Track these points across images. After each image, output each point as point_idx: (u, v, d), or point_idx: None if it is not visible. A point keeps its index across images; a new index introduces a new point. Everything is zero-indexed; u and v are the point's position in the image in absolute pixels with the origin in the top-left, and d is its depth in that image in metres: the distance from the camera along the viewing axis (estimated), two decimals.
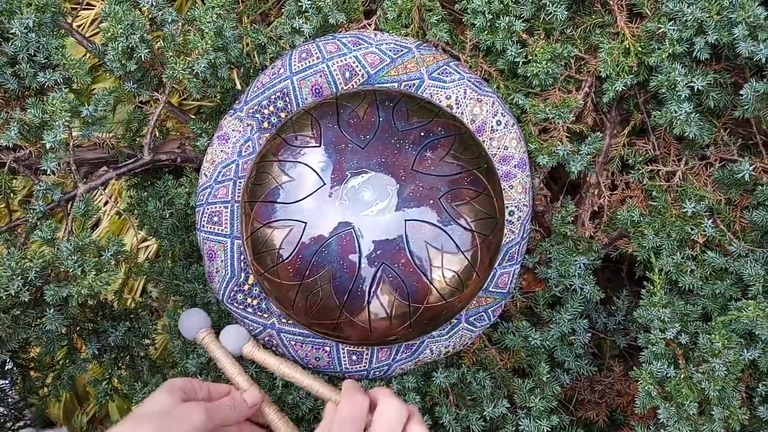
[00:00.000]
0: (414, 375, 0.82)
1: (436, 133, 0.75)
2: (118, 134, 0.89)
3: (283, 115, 0.81)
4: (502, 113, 0.81)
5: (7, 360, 0.90)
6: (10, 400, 0.98)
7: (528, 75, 0.80)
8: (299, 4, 0.83)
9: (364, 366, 0.81)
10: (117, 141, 0.87)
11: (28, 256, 0.68)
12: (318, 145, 0.74)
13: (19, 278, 0.66)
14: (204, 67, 0.77)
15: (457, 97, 0.81)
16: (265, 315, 0.80)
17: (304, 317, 0.76)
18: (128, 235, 1.30)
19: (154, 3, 0.79)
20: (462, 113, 0.81)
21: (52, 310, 0.70)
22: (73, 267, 0.68)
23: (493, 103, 0.81)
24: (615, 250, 0.85)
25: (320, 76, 0.80)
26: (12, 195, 0.82)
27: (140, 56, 0.77)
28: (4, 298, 0.65)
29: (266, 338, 0.80)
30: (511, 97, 0.83)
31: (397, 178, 0.73)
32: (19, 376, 0.94)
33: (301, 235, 0.72)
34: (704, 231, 0.77)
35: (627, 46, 0.78)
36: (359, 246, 0.71)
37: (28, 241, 0.78)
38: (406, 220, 0.72)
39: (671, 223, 0.79)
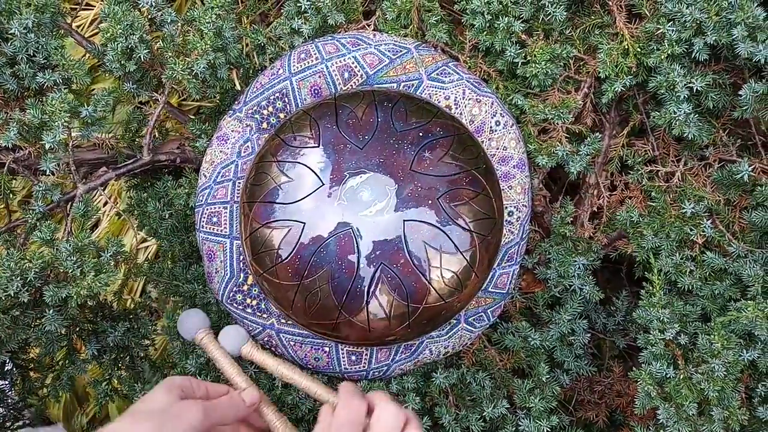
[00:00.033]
0: (413, 375, 0.82)
1: (435, 134, 0.75)
2: (117, 135, 0.89)
3: (282, 115, 0.81)
4: (501, 114, 0.81)
5: (7, 361, 0.90)
6: (9, 400, 0.98)
7: (527, 75, 0.80)
8: (298, 4, 0.83)
9: (364, 366, 0.81)
10: (116, 141, 0.87)
11: (28, 257, 0.68)
12: (317, 145, 0.74)
13: (19, 279, 0.66)
14: (203, 67, 0.77)
15: (456, 97, 0.81)
16: (265, 315, 0.80)
17: (303, 317, 0.76)
18: (128, 236, 1.30)
19: (153, 3, 0.79)
20: (461, 114, 0.81)
21: (51, 311, 0.70)
22: (73, 268, 0.68)
23: (492, 104, 0.81)
24: (614, 251, 0.85)
25: (319, 76, 0.80)
26: (11, 195, 0.83)
27: (139, 57, 0.77)
28: (3, 298, 0.65)
29: (265, 338, 0.80)
30: (510, 97, 0.83)
31: (395, 179, 0.73)
32: (18, 376, 0.94)
33: (300, 236, 0.72)
34: (703, 231, 0.77)
35: (626, 46, 0.77)
36: (358, 246, 0.71)
37: (28, 241, 0.78)
38: (404, 221, 0.72)
39: (670, 224, 0.79)
